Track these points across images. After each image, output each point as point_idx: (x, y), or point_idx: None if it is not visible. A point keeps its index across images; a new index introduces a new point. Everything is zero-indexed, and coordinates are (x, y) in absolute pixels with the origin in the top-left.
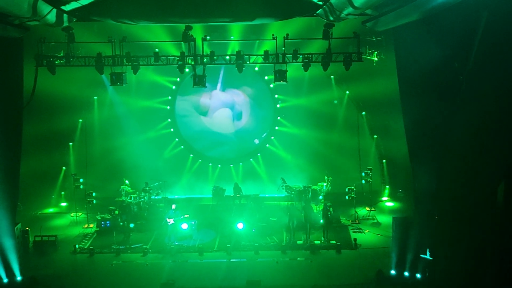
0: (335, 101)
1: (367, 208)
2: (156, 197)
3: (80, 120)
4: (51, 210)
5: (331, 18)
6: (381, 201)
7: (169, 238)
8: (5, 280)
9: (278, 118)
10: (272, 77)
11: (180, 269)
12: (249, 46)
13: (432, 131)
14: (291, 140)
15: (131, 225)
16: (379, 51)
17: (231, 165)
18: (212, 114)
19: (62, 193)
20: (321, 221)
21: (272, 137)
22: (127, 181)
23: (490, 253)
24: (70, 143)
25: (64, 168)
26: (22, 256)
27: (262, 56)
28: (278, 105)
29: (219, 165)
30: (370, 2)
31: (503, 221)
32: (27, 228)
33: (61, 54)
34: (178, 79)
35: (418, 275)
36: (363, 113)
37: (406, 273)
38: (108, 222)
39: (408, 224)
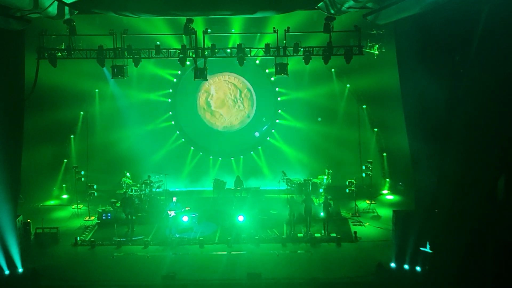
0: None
1: (367, 201)
2: (157, 189)
3: (82, 112)
4: (52, 202)
5: (332, 11)
6: (381, 194)
7: (170, 231)
8: (7, 272)
9: (279, 111)
10: (273, 70)
11: (181, 261)
12: (250, 39)
13: (433, 125)
14: (291, 133)
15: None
16: (380, 44)
17: (232, 158)
18: (213, 106)
19: (64, 185)
20: (322, 214)
21: (273, 130)
22: (128, 174)
23: (490, 247)
24: (72, 136)
25: (65, 160)
26: (24, 248)
27: (263, 49)
28: (279, 98)
29: (220, 158)
30: None
31: (503, 215)
32: (28, 220)
33: (63, 47)
34: (179, 72)
35: (418, 268)
36: (364, 106)
37: (406, 266)
38: (109, 214)
39: (408, 217)
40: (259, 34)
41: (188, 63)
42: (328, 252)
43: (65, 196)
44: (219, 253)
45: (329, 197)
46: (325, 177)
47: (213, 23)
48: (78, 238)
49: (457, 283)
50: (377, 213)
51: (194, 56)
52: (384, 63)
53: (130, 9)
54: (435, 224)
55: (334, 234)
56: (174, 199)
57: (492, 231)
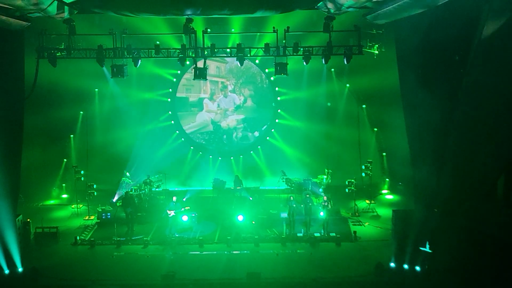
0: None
1: (367, 201)
2: (157, 189)
3: (81, 112)
4: (52, 201)
5: (332, 11)
6: (381, 193)
7: (169, 230)
8: (6, 271)
9: (279, 110)
10: (273, 69)
11: (180, 261)
12: (250, 39)
13: (433, 124)
14: (291, 132)
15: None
16: (379, 44)
17: (232, 158)
18: (213, 106)
19: (63, 185)
20: (321, 213)
21: (273, 130)
22: (127, 173)
23: (489, 246)
24: (71, 135)
25: (65, 160)
26: (23, 247)
27: (263, 49)
28: (278, 98)
29: (220, 158)
30: None
31: (503, 214)
32: (28, 220)
33: (62, 46)
34: (178, 72)
35: (418, 268)
36: (364, 106)
37: (406, 266)
38: (108, 214)
39: (407, 217)
40: (258, 33)
41: (187, 62)
42: (328, 251)
43: (64, 196)
44: (219, 252)
45: (329, 196)
46: (325, 176)
47: (213, 23)
48: (78, 238)
49: (456, 283)
50: (376, 213)
51: (193, 55)
52: (384, 63)
53: (129, 9)
54: (435, 224)
55: (333, 234)
56: (174, 198)
57: (492, 230)
